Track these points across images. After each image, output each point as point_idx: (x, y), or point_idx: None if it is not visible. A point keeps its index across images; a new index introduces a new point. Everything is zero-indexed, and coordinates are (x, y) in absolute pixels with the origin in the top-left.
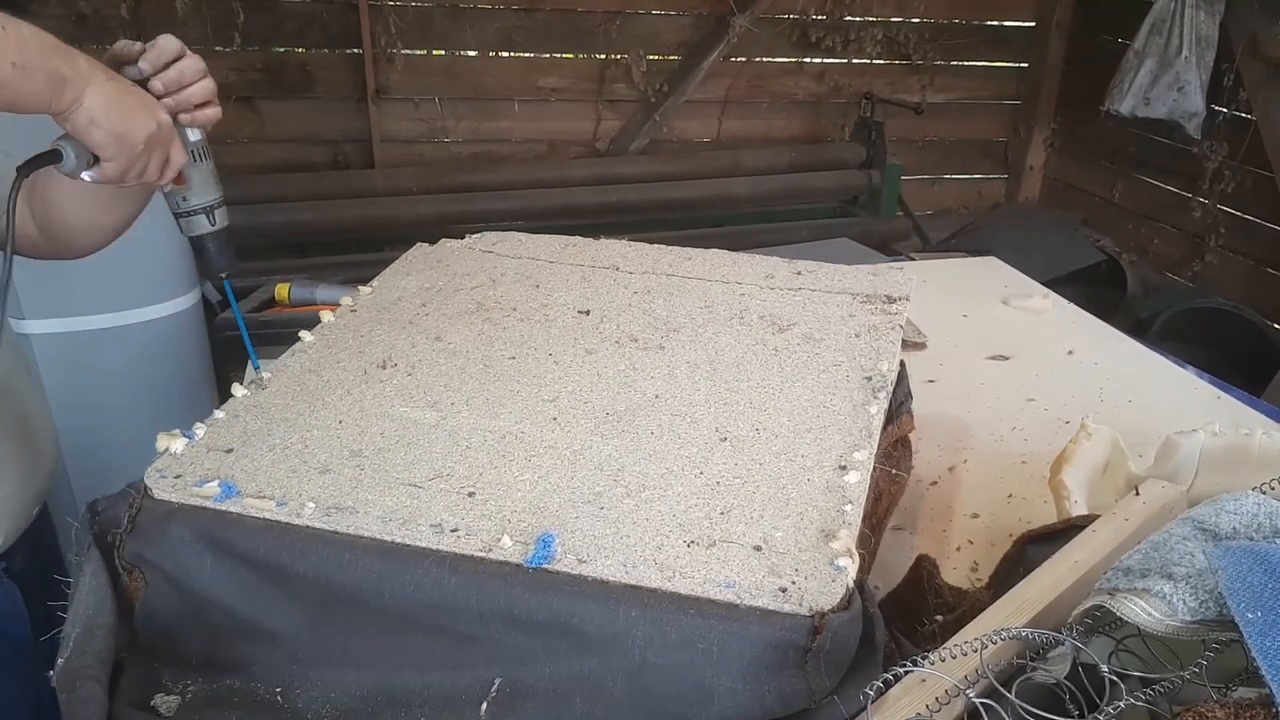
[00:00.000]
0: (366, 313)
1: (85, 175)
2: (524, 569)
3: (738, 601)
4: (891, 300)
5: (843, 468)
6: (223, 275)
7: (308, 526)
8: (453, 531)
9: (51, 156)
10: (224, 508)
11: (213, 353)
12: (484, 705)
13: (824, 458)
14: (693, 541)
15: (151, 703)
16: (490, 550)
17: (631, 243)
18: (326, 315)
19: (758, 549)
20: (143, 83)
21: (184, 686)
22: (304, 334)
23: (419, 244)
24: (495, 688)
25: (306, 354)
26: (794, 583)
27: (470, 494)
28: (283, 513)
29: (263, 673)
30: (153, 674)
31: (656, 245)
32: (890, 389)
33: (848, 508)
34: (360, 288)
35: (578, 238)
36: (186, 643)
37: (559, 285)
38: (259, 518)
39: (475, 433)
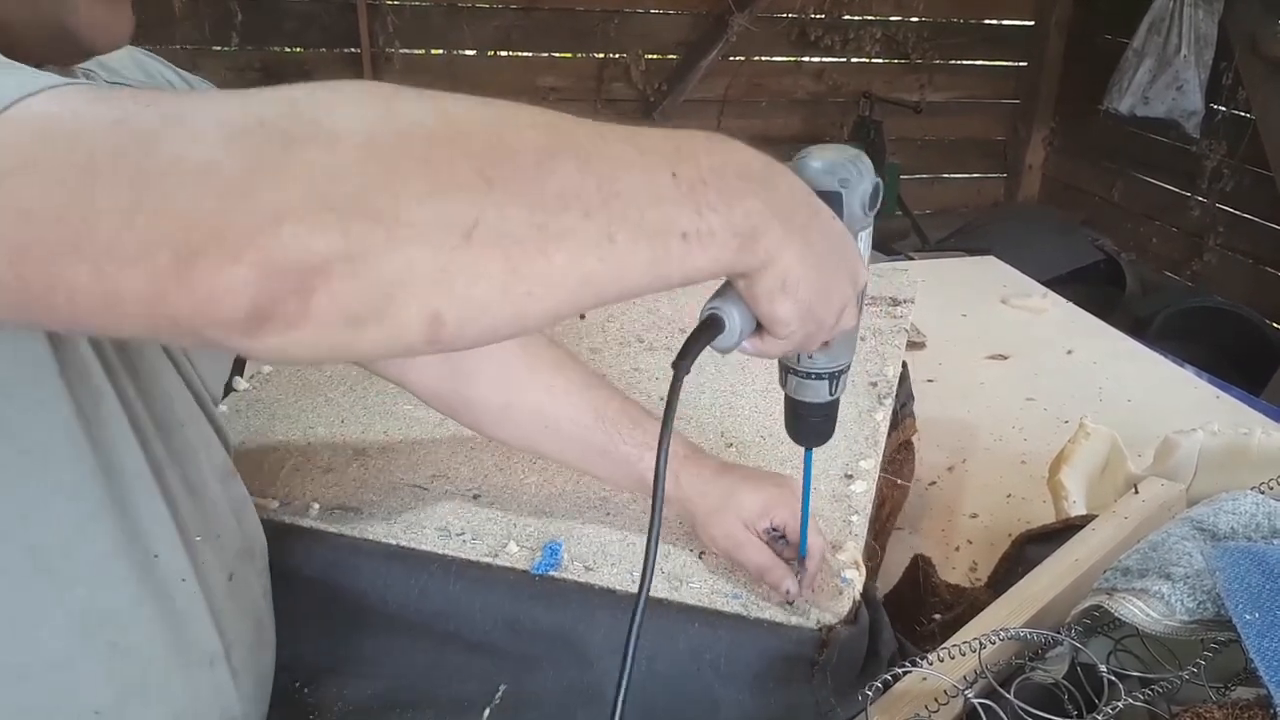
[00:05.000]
0: None
1: (745, 346)
2: (530, 576)
3: (745, 613)
4: (896, 303)
5: (849, 476)
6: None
7: (313, 528)
8: (459, 535)
9: (710, 329)
10: None
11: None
12: (486, 711)
13: (830, 466)
14: (700, 551)
15: None
16: (496, 556)
17: None
18: None
19: None
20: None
21: None
22: None
23: None
24: (499, 695)
25: None
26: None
27: (475, 496)
28: (286, 513)
29: None
30: None
31: None
32: (894, 394)
33: (854, 518)
34: None
35: None
36: None
37: None
38: (263, 520)
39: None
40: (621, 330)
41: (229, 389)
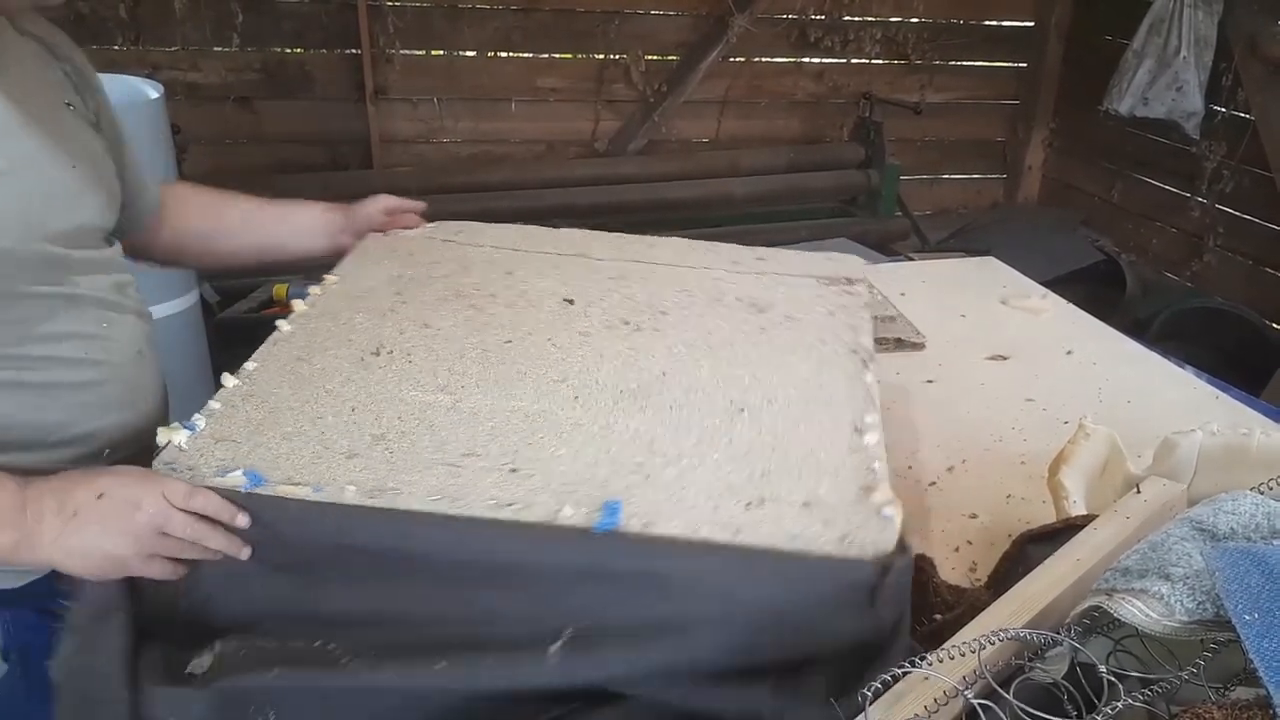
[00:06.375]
0: (339, 302)
1: None
2: (593, 534)
3: (806, 550)
4: (851, 281)
5: (859, 430)
6: None
7: (360, 506)
8: (509, 505)
9: None
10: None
11: (211, 353)
12: (556, 645)
13: (839, 422)
14: (746, 502)
15: (188, 670)
16: (554, 519)
17: (592, 231)
18: (299, 305)
19: (807, 505)
20: None
21: (212, 643)
22: (280, 323)
23: (371, 233)
24: (571, 632)
25: (290, 343)
26: (850, 532)
27: (513, 470)
28: (321, 498)
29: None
30: (190, 644)
31: (616, 234)
32: (875, 359)
33: (876, 464)
34: (325, 277)
35: (534, 226)
36: (232, 621)
37: (532, 272)
38: (301, 504)
39: (496, 413)
40: (605, 315)
41: (217, 385)
